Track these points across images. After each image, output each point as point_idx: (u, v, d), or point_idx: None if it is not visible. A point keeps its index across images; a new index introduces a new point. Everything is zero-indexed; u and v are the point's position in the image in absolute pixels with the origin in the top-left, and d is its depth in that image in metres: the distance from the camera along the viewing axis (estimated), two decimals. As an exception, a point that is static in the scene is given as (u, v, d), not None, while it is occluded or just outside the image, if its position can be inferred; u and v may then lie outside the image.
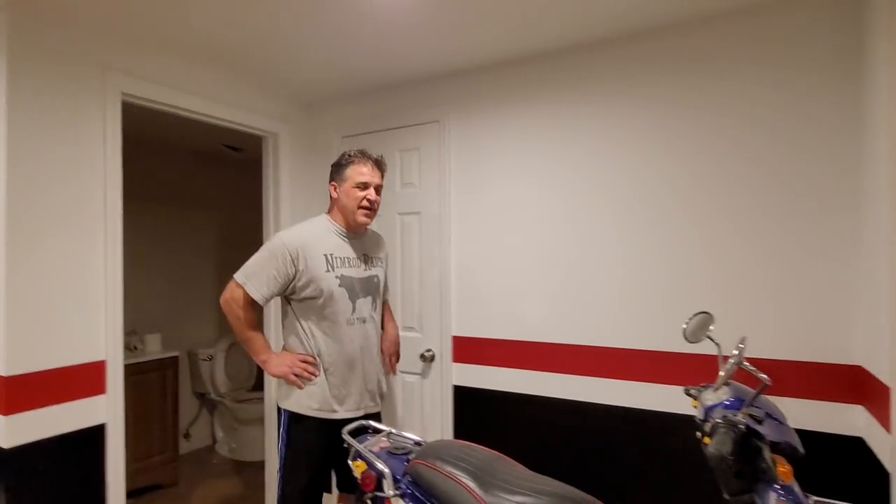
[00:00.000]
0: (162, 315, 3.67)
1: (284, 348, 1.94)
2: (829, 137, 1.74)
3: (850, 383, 1.69)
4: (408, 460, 1.55)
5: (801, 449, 1.17)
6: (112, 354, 1.98)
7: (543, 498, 1.30)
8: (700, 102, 1.93)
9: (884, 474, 1.41)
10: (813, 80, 1.76)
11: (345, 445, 1.69)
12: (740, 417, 1.10)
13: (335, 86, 2.62)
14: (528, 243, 2.27)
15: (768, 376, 1.65)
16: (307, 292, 1.83)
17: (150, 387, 3.13)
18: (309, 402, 1.85)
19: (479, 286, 2.39)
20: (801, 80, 1.77)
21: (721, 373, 1.27)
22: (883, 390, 1.40)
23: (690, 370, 1.89)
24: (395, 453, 1.61)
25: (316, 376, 1.85)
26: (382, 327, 2.11)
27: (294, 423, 1.86)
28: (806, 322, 1.77)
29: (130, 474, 2.85)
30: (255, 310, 1.86)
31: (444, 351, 2.45)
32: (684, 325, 1.53)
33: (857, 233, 1.69)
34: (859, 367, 1.67)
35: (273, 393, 2.69)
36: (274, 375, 1.88)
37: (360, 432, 1.77)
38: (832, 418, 1.72)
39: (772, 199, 1.82)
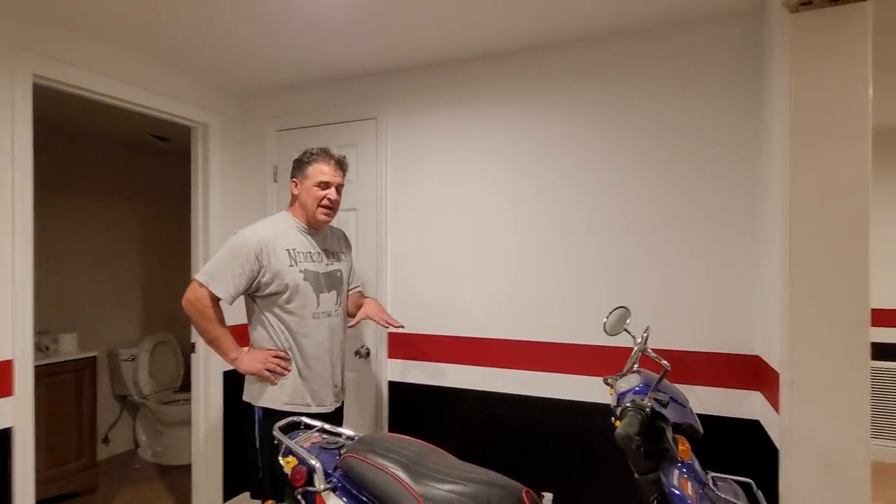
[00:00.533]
0: (79, 313, 3.45)
1: (251, 346, 1.91)
2: (735, 136, 1.90)
3: (750, 372, 1.87)
4: (340, 454, 1.55)
5: (700, 429, 1.29)
6: (20, 354, 1.85)
7: (471, 485, 1.34)
8: (634, 108, 2.04)
9: (774, 451, 1.57)
10: (725, 74, 1.92)
11: (275, 442, 1.67)
12: (646, 401, 1.19)
13: (271, 78, 2.56)
14: (464, 241, 2.32)
15: (682, 365, 1.78)
16: (272, 288, 1.82)
17: (65, 389, 2.94)
18: (282, 396, 1.84)
19: (415, 283, 2.42)
20: (710, 79, 1.93)
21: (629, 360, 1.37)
22: (775, 376, 1.56)
23: (623, 363, 2.01)
24: (327, 448, 1.61)
25: (289, 370, 1.85)
26: (352, 315, 2.08)
27: (265, 420, 1.83)
28: (715, 317, 1.93)
29: (43, 481, 2.69)
30: (220, 309, 1.83)
31: (380, 347, 2.47)
32: (604, 319, 1.64)
33: (756, 236, 1.86)
34: (757, 356, 1.85)
35: (201, 395, 2.60)
36: (246, 373, 1.85)
37: (291, 428, 1.75)
38: (734, 404, 1.89)
39: (692, 209, 1.96)
